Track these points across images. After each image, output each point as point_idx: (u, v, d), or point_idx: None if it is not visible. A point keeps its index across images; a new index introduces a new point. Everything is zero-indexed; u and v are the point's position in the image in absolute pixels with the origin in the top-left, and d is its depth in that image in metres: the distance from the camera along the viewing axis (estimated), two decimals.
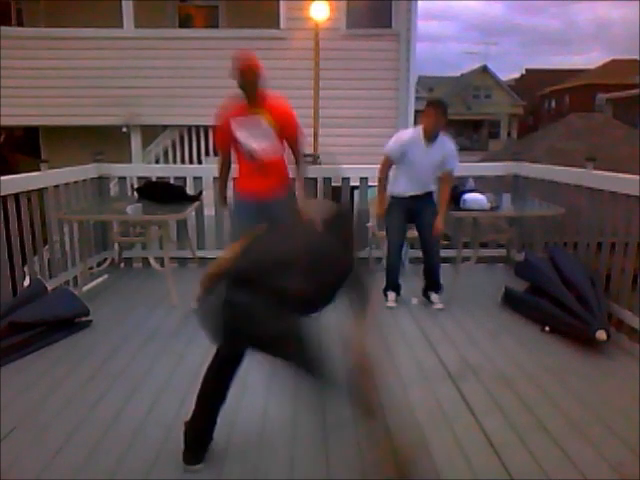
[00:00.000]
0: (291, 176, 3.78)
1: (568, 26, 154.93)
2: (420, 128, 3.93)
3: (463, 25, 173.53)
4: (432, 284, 4.19)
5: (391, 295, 4.19)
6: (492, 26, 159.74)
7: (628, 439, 2.41)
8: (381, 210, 4.11)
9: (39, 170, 4.36)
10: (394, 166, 4.05)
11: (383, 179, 4.07)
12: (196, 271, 5.20)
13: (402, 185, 4.01)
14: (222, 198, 4.00)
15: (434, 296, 4.17)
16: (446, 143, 3.95)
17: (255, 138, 3.52)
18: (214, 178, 5.17)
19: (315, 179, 5.10)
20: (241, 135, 3.53)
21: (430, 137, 3.87)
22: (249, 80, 3.40)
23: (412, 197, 3.99)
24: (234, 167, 3.81)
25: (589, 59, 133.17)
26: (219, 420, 2.52)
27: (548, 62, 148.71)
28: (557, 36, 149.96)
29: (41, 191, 4.22)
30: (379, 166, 4.07)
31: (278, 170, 3.65)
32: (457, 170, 4.10)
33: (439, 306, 4.11)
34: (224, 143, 3.65)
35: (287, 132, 3.59)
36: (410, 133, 4.02)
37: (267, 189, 3.60)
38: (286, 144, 3.65)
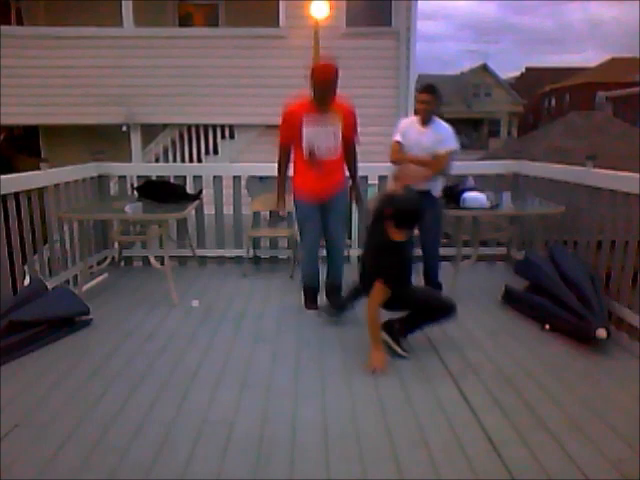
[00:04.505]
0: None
1: (561, 26, 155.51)
2: (417, 116, 4.09)
3: (457, 25, 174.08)
4: (431, 283, 4.19)
5: None
6: (486, 25, 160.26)
7: (628, 436, 2.42)
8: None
9: (39, 169, 4.36)
10: None
11: (397, 161, 4.06)
12: (196, 270, 5.22)
13: None
14: (281, 197, 4.03)
15: None
16: (441, 125, 4.03)
17: (321, 138, 3.70)
18: (214, 177, 5.20)
19: None
20: (308, 132, 3.68)
21: (424, 120, 3.99)
22: (330, 88, 3.60)
23: None
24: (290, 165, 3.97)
25: (585, 58, 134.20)
26: (218, 420, 2.53)
27: (544, 61, 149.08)
28: (551, 35, 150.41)
29: (41, 190, 4.22)
30: (390, 153, 4.10)
31: (336, 169, 3.86)
32: (458, 147, 4.06)
33: None
34: (289, 139, 3.79)
35: (349, 133, 3.82)
36: (408, 119, 4.25)
37: (326, 188, 3.81)
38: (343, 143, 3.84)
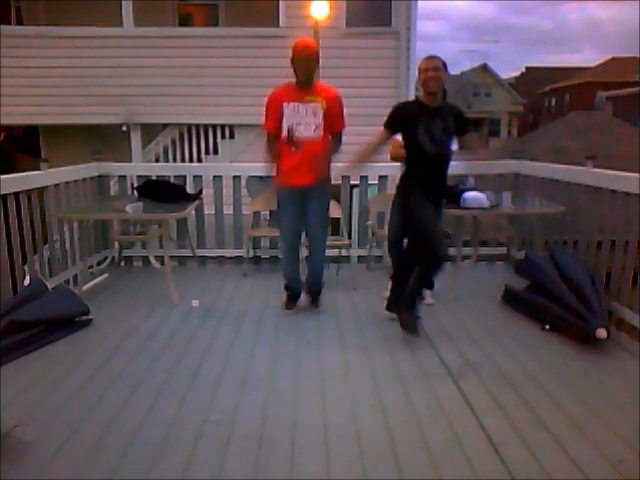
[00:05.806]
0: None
1: (559, 26, 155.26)
2: None
3: (455, 25, 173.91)
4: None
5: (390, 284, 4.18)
6: (484, 25, 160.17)
7: (628, 437, 2.42)
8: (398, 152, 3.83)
9: (39, 169, 4.36)
10: None
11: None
12: (196, 270, 5.21)
13: None
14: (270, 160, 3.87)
15: (425, 292, 4.15)
16: None
17: (303, 124, 3.64)
18: (214, 177, 5.20)
19: None
20: (288, 111, 3.63)
21: None
22: (310, 65, 3.59)
23: None
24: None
25: (582, 57, 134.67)
26: (218, 420, 2.53)
27: (542, 61, 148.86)
28: (550, 36, 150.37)
29: (41, 190, 4.22)
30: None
31: (318, 155, 3.72)
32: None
33: (429, 301, 4.11)
34: (272, 124, 3.72)
35: (334, 119, 3.74)
36: None
37: (307, 175, 3.69)
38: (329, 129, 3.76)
